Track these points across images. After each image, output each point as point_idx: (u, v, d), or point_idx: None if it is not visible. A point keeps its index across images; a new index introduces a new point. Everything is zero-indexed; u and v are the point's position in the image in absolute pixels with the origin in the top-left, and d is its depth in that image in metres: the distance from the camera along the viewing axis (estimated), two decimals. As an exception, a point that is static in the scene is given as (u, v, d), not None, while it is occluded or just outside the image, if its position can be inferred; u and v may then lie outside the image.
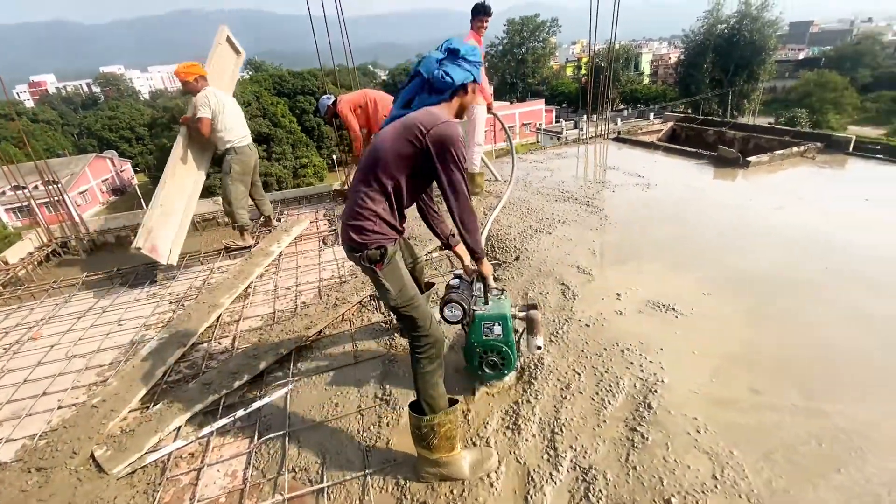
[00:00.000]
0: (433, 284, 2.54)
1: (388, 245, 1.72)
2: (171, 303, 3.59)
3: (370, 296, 3.17)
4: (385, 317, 2.94)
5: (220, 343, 2.96)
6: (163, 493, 1.92)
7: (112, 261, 4.58)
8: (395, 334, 2.73)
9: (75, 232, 4.99)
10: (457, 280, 2.15)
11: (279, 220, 5.08)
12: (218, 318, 3.21)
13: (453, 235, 2.17)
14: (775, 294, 2.77)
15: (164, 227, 3.89)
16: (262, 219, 4.88)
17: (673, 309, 2.66)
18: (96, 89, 68.31)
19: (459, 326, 2.10)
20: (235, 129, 4.16)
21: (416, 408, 1.79)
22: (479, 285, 2.15)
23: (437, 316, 1.95)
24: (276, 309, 3.28)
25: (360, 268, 1.79)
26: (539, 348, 2.13)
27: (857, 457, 1.71)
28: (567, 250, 3.54)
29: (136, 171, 41.00)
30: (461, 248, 2.13)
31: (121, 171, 38.80)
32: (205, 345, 2.94)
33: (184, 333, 2.95)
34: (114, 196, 37.03)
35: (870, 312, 2.53)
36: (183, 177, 4.24)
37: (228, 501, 1.86)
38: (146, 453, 2.09)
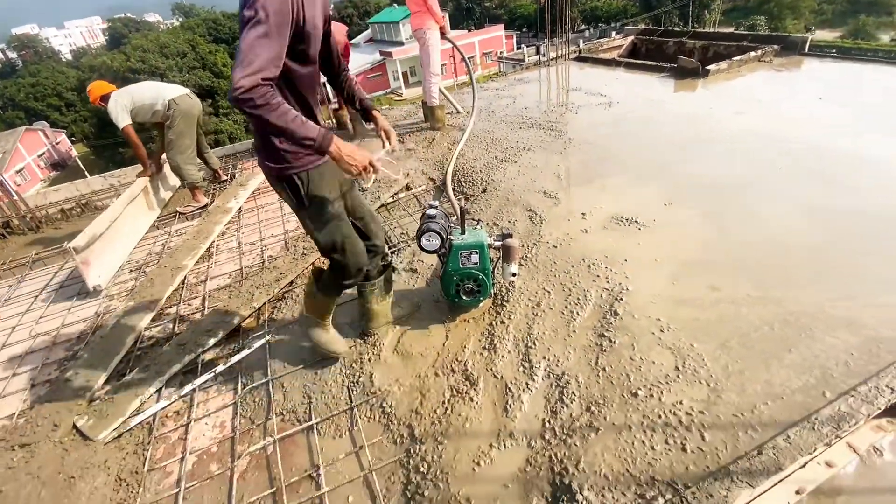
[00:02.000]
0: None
1: (309, 169, 1.57)
2: (131, 271, 3.46)
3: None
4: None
5: (189, 304, 2.90)
6: (153, 450, 1.94)
7: (61, 235, 4.33)
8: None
9: (16, 210, 4.67)
10: (434, 210, 2.12)
11: (233, 176, 4.86)
12: (183, 280, 3.12)
13: (362, 100, 1.88)
14: (732, 197, 2.86)
15: (104, 252, 3.38)
16: (210, 173, 4.74)
17: (636, 222, 2.72)
18: (12, 54, 60.80)
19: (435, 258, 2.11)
20: (161, 91, 3.97)
21: (319, 276, 2.02)
22: (455, 217, 2.13)
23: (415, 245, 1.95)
24: (243, 265, 3.20)
25: (288, 203, 1.67)
26: (514, 275, 2.17)
27: (807, 336, 1.84)
28: (533, 177, 3.52)
29: (72, 142, 37.64)
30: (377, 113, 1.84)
31: (56, 144, 35.46)
32: (173, 308, 2.88)
33: (150, 299, 2.86)
34: (55, 171, 34.24)
35: (819, 206, 2.64)
36: (137, 215, 4.02)
37: (220, 449, 1.91)
38: (129, 417, 2.09)
